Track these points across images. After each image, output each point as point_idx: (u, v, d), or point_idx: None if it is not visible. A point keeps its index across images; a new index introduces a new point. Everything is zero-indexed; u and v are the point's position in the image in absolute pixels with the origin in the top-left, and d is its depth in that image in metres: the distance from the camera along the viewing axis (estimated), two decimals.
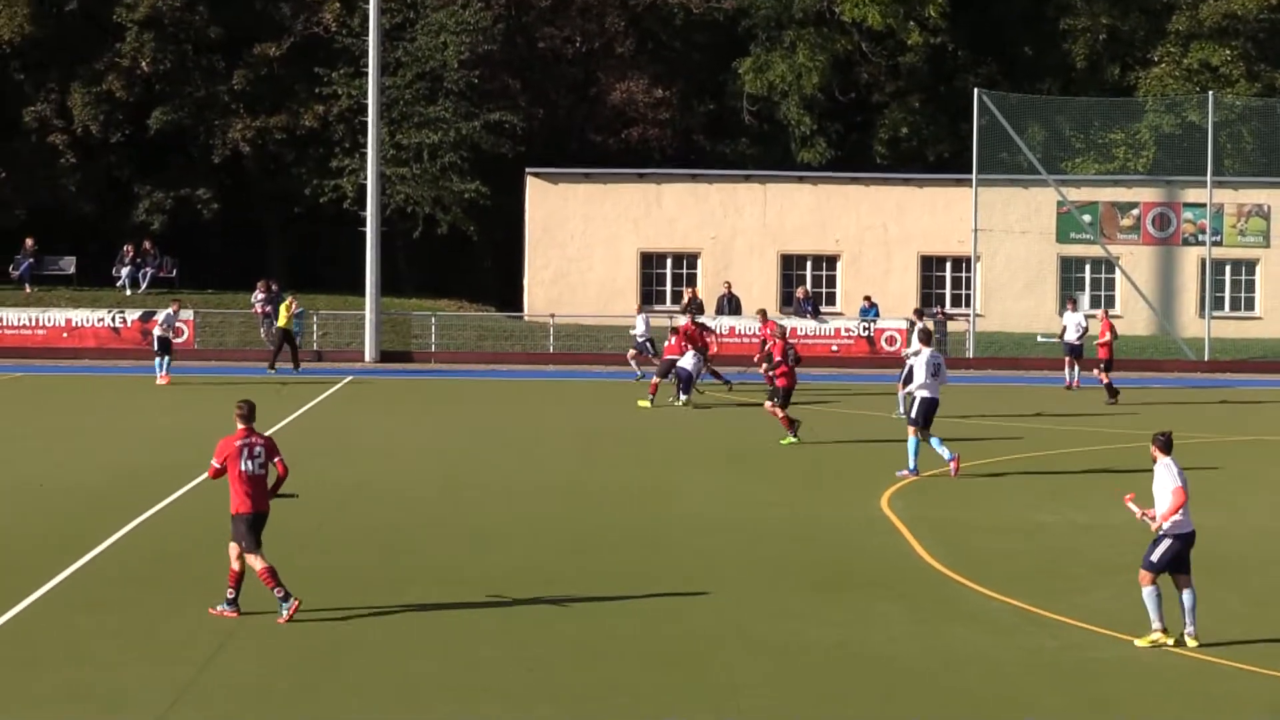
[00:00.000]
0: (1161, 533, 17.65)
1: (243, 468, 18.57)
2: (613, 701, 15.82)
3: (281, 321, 49.97)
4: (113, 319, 54.54)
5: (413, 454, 32.44)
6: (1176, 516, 17.55)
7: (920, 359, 30.27)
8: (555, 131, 68.16)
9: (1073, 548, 23.59)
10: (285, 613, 18.29)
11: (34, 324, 54.02)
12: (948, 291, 61.44)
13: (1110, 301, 60.51)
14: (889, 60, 68.75)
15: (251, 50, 62.68)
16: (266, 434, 19.45)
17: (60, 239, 62.01)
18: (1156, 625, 17.72)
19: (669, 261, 61.69)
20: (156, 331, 46.79)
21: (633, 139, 67.53)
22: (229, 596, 18.67)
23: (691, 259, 61.61)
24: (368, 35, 55.01)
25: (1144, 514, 17.83)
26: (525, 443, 34.09)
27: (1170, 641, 17.70)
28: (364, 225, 55.11)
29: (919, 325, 35.78)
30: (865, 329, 56.39)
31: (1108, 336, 44.64)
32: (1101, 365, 44.21)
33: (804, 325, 55.61)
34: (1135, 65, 68.57)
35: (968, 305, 59.34)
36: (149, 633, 18.03)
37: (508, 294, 63.33)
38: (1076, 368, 47.04)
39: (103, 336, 54.32)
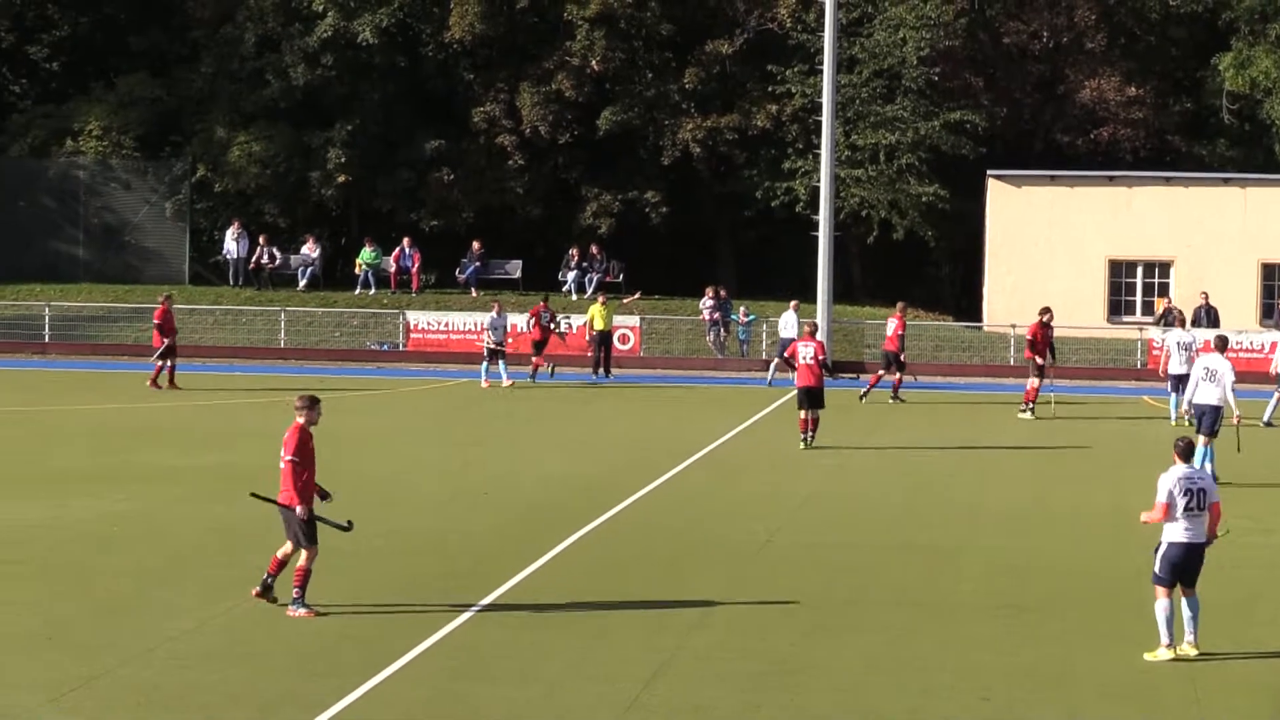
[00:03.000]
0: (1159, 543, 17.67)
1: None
2: None
3: (600, 323, 49.83)
4: (557, 325, 53.45)
5: (868, 468, 31.56)
6: (1166, 523, 17.51)
7: (1195, 369, 30.47)
8: (1019, 132, 65.81)
9: None
10: (294, 611, 18.48)
11: (479, 328, 53.30)
12: None
13: None
14: None
15: (703, 47, 61.69)
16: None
17: (506, 242, 61.84)
18: (1164, 640, 17.42)
19: (1139, 270, 58.80)
20: (490, 339, 47.22)
21: (1102, 139, 64.55)
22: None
23: (1164, 268, 58.58)
24: (823, 31, 53.44)
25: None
26: (984, 458, 33.16)
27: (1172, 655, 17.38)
28: (816, 229, 53.64)
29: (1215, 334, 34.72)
30: None
31: None
32: None
33: None
34: None
35: None
36: (588, 651, 17.63)
37: (965, 303, 61.70)
38: None
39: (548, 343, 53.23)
